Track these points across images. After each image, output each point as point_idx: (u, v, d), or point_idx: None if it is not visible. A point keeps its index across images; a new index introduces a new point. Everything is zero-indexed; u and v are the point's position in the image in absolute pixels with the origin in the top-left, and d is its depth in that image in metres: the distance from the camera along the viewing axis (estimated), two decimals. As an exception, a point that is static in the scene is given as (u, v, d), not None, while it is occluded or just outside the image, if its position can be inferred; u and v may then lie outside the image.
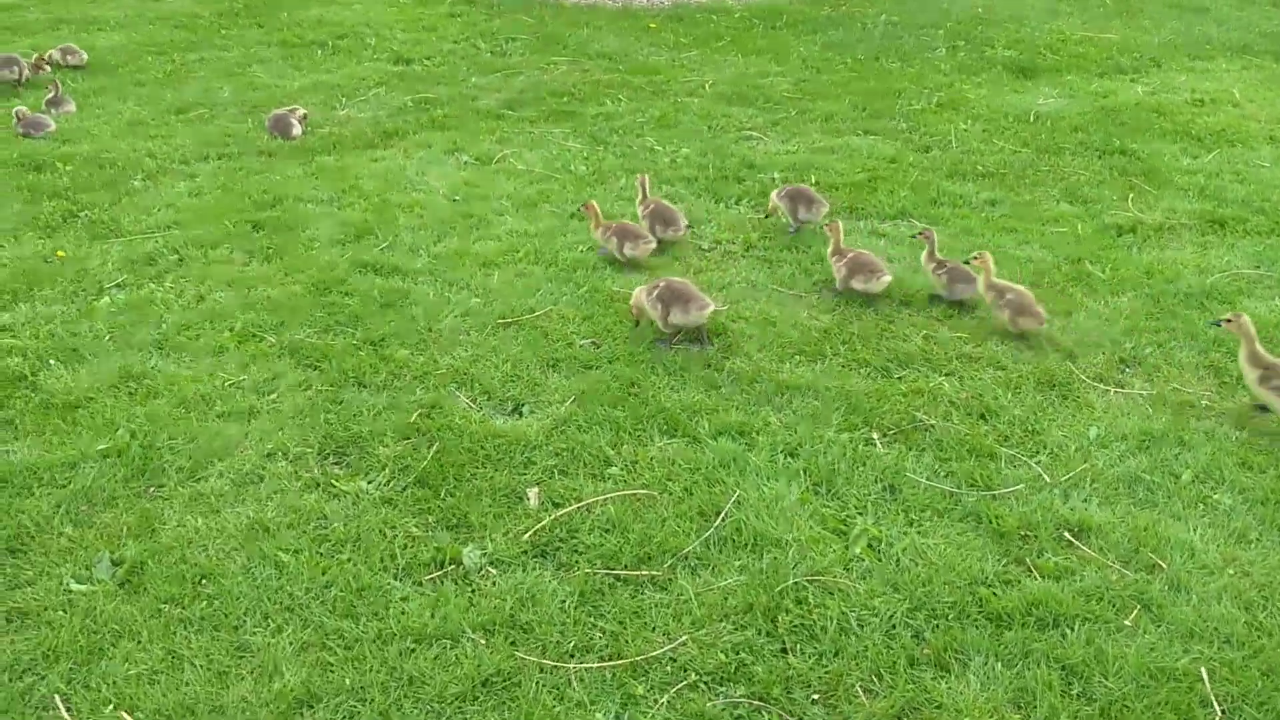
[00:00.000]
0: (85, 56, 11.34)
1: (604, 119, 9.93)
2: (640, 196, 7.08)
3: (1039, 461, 4.72)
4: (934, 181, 8.15)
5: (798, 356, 5.60)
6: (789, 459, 4.68)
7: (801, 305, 6.19)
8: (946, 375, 5.45)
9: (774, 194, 7.19)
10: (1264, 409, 5.04)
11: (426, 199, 7.90)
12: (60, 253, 6.74)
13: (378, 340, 5.76)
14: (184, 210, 7.55)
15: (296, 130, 9.24)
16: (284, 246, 6.99)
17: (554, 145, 9.19)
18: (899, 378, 5.42)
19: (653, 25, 13.51)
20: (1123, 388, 5.32)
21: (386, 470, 4.59)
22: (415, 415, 5.01)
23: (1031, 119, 9.73)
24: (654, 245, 6.66)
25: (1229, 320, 5.09)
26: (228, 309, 6.07)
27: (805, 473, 4.58)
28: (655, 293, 5.60)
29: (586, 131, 9.57)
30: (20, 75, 10.49)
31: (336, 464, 4.69)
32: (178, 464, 4.62)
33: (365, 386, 5.30)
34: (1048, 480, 4.57)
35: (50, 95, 9.74)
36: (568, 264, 6.73)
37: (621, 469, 4.63)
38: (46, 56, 11.00)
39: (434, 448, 4.72)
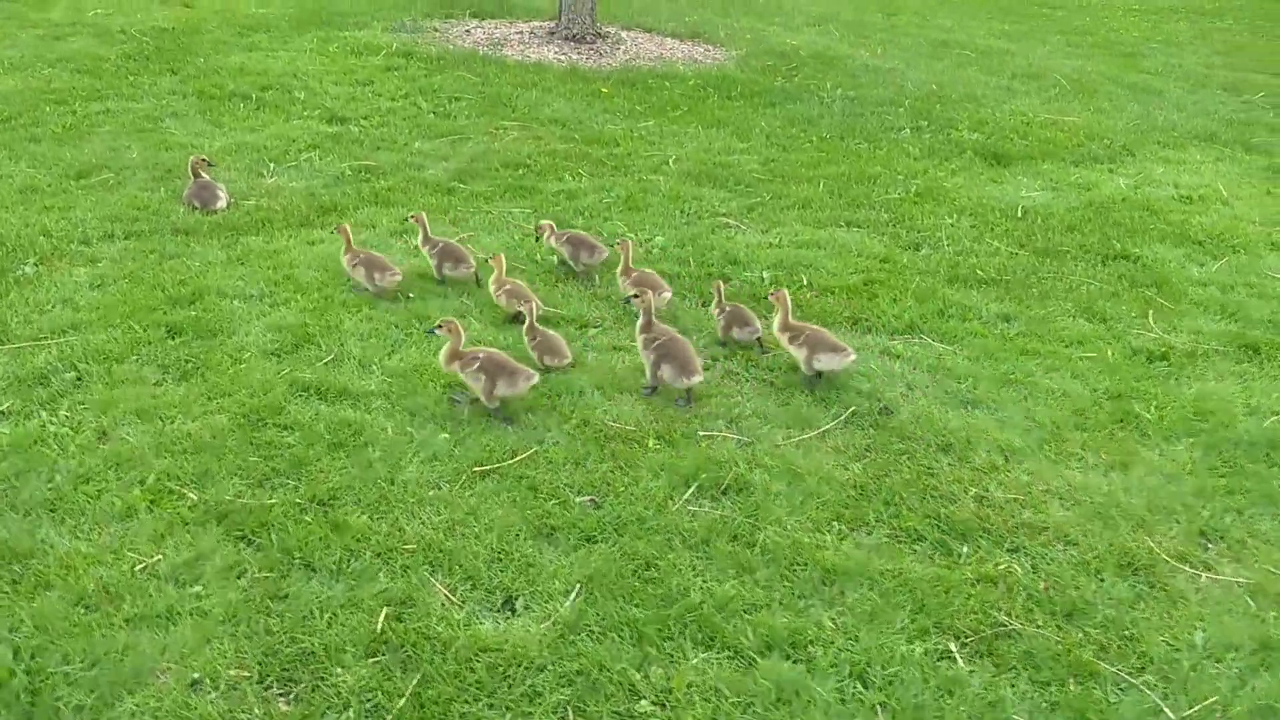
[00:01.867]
0: None
1: (565, 197, 9.04)
2: (422, 237, 7.08)
3: (1147, 682, 3.93)
4: (936, 288, 7.44)
5: (836, 523, 4.75)
6: (859, 686, 3.79)
7: (825, 448, 5.35)
8: (1012, 552, 4.65)
9: (550, 235, 7.35)
10: (815, 378, 5.89)
11: (372, 299, 6.87)
12: (-72, 369, 5.53)
13: (327, 498, 4.71)
14: (84, 308, 6.38)
15: (222, 202, 8.13)
16: (206, 359, 5.89)
17: (514, 228, 8.26)
18: (959, 556, 4.60)
19: (605, 90, 12.72)
20: (1212, 571, 4.59)
21: (350, 711, 3.55)
22: (382, 616, 3.99)
23: (1019, 214, 9.16)
24: (400, 277, 6.72)
25: (774, 294, 6.05)
26: (138, 451, 4.95)
27: (883, 709, 3.70)
28: (476, 365, 5.38)
29: (548, 212, 8.64)
30: (-109, 126, 9.15)
31: (283, 696, 3.64)
32: (75, 700, 3.52)
33: (315, 570, 4.25)
34: (1170, 715, 3.77)
35: (-74, 153, 8.44)
36: (550, 387, 5.78)
37: (653, 702, 3.69)
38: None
39: (414, 679, 3.70)
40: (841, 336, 6.62)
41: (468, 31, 15.80)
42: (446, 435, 5.29)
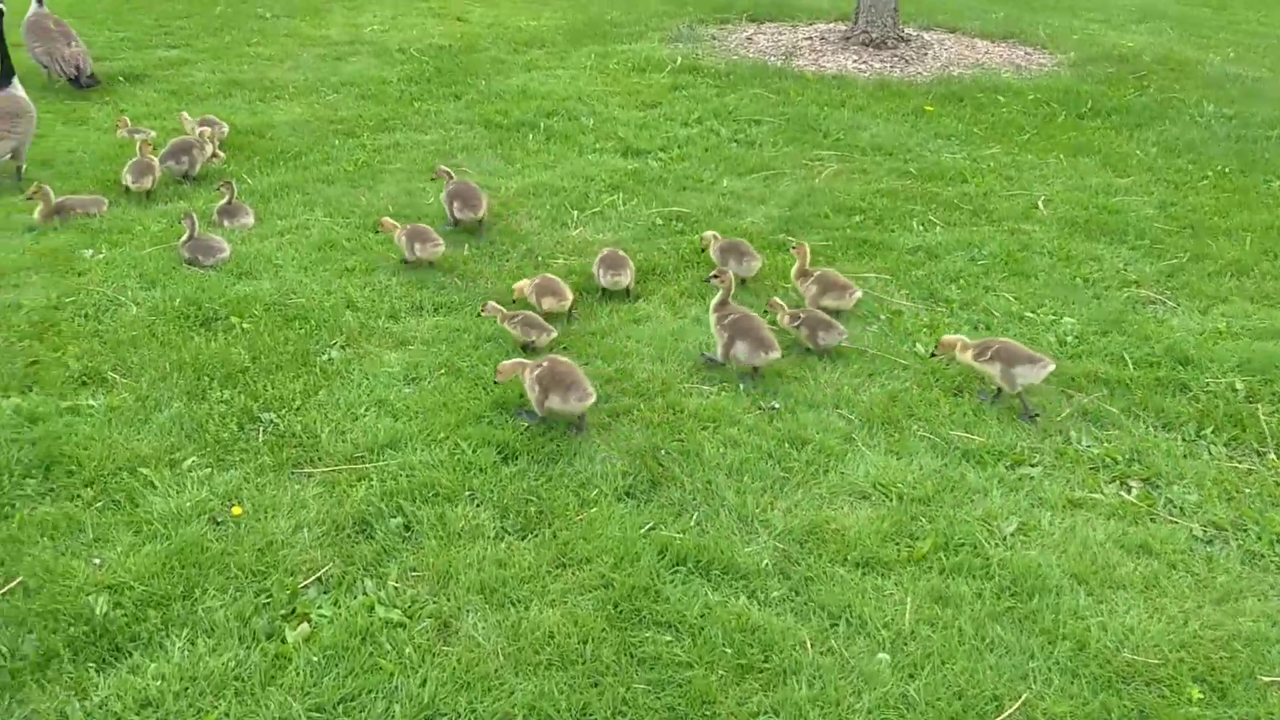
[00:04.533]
0: (226, 129, 9.43)
1: (925, 256, 7.40)
2: (405, 250, 6.99)
3: None
4: None
5: None
6: None
7: None
8: None
9: (713, 247, 7.05)
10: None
11: (731, 402, 5.50)
12: (236, 509, 4.53)
13: (756, 771, 3.33)
14: (401, 412, 5.30)
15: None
16: (549, 498, 4.66)
17: (873, 302, 6.69)
18: None
19: (928, 108, 10.95)
20: None
21: None
22: None
23: None
24: (443, 248, 6.94)
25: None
26: (492, 660, 3.73)
27: None
28: (536, 373, 5.15)
29: (908, 277, 7.04)
30: (192, 166, 8.57)
31: None
32: None
33: None
34: None
35: (223, 201, 7.72)
36: (1012, 577, 4.21)
37: None
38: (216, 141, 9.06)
39: None
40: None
41: (749, 39, 14.36)
42: (886, 656, 3.81)
